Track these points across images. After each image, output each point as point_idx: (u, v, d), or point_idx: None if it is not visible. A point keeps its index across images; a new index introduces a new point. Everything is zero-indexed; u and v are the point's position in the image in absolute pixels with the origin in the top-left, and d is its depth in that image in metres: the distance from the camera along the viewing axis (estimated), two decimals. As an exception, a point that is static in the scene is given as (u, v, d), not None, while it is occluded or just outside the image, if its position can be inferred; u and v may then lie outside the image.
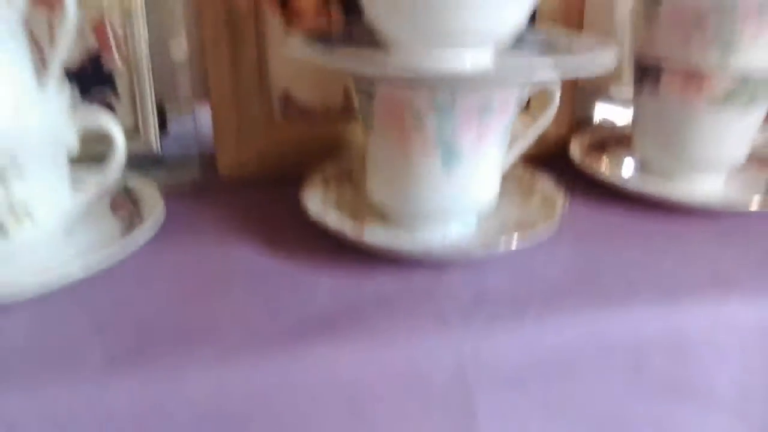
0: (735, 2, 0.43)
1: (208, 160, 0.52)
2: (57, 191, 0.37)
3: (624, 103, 0.65)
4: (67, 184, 0.38)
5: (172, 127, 0.54)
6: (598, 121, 0.65)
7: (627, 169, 0.55)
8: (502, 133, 0.40)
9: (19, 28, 0.35)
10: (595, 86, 0.64)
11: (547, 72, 0.35)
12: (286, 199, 0.46)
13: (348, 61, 0.36)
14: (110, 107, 0.49)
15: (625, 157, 0.57)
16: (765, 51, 0.46)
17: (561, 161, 0.54)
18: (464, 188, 0.39)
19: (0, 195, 0.34)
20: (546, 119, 0.44)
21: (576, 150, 0.55)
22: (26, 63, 0.36)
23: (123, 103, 0.49)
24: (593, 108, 0.65)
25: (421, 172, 0.39)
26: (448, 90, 0.35)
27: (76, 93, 0.48)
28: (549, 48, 0.42)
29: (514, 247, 0.39)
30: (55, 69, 0.36)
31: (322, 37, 0.42)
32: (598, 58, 0.35)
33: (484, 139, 0.38)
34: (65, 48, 0.36)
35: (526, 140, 0.45)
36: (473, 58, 0.37)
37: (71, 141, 0.37)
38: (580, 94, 0.59)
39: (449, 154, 0.38)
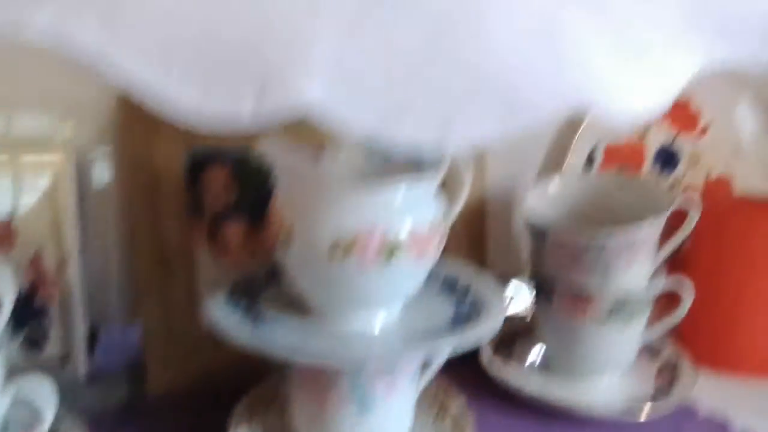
0: (603, 244, 0.51)
1: (137, 377, 0.54)
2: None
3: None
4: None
5: (102, 343, 0.56)
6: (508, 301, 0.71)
7: (532, 367, 0.60)
8: (412, 376, 0.44)
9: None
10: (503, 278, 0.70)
11: (446, 347, 0.40)
12: (215, 426, 0.47)
13: (260, 341, 0.40)
14: (43, 339, 0.51)
15: (531, 351, 0.62)
16: (637, 276, 0.53)
17: (473, 360, 0.59)
18: (379, 430, 0.43)
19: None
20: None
21: (486, 349, 0.60)
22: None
23: (55, 334, 0.51)
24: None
25: (338, 418, 0.42)
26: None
27: (10, 328, 0.50)
28: (451, 288, 0.48)
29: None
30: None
31: (247, 282, 0.47)
32: (488, 329, 0.41)
33: (395, 387, 0.43)
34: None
35: (437, 364, 0.49)
36: (383, 318, 0.42)
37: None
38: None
39: (363, 403, 0.42)
